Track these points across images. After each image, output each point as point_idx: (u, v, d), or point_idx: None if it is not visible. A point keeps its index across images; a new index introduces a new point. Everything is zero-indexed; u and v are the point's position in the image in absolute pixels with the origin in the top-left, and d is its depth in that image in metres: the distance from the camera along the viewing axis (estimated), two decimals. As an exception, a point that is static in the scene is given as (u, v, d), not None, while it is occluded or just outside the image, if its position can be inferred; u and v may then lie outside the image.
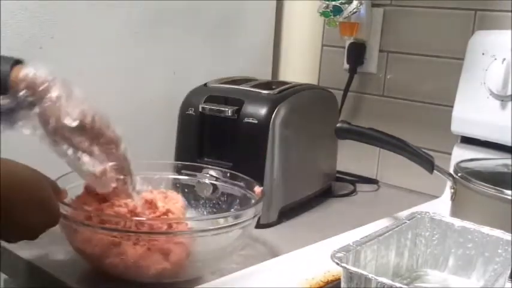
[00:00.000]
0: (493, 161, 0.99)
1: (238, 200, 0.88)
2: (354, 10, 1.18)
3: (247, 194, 0.87)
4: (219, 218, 0.76)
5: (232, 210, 0.87)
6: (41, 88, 0.73)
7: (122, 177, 0.77)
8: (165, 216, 0.77)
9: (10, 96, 0.73)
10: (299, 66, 1.36)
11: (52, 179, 0.74)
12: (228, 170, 0.92)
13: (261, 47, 1.32)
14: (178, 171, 0.94)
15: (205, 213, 0.88)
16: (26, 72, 0.73)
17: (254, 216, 0.78)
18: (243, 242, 0.80)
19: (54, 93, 0.73)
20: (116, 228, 0.71)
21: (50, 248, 0.82)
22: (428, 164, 0.90)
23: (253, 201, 0.83)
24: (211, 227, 0.74)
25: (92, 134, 0.74)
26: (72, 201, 0.78)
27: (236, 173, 0.91)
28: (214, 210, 0.88)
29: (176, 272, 0.74)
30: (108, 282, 0.75)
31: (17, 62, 0.75)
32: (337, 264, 0.63)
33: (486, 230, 0.74)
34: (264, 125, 0.95)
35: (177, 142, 1.03)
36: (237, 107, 0.96)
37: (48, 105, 0.72)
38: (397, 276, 0.75)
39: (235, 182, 0.90)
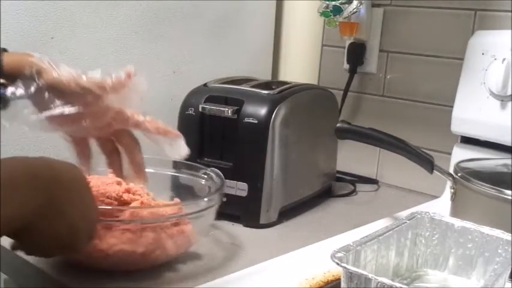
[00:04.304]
0: (493, 161, 0.99)
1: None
2: (354, 10, 1.18)
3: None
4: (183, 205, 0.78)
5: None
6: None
7: None
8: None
9: (21, 84, 0.71)
10: (299, 66, 1.36)
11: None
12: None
13: (261, 47, 1.32)
14: (178, 171, 0.94)
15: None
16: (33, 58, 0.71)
17: (207, 208, 0.80)
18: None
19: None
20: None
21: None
22: (428, 164, 0.90)
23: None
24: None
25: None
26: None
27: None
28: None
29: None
30: (109, 283, 0.75)
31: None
32: (337, 264, 0.63)
33: (486, 230, 0.74)
34: (264, 125, 0.95)
35: (177, 142, 1.03)
36: (237, 107, 0.96)
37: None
38: (397, 276, 0.75)
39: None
